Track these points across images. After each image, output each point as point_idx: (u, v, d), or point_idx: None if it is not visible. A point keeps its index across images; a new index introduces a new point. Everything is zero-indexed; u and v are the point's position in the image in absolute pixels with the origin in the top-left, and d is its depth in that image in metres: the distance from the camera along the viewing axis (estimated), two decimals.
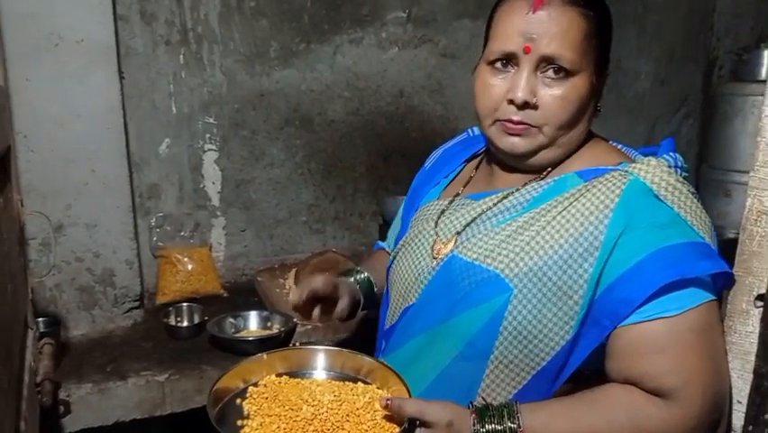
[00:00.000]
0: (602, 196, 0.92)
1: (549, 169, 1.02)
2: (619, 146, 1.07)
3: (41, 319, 1.63)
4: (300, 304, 1.13)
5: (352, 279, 1.24)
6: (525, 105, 0.95)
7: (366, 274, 1.25)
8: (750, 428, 0.90)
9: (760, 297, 0.90)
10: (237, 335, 1.74)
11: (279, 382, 1.01)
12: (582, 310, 0.90)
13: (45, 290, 1.72)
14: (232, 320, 1.78)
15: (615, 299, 0.88)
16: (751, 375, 0.91)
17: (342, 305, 1.17)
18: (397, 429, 0.89)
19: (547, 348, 0.92)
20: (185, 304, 1.89)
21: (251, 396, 0.98)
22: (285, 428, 0.89)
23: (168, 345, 1.74)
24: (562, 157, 1.01)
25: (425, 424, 0.88)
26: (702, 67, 2.84)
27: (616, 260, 0.89)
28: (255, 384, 1.01)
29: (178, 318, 1.86)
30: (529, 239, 0.95)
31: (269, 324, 1.78)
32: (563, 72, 0.93)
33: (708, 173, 2.61)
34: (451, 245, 1.03)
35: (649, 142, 1.11)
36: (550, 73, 0.94)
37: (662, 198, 0.91)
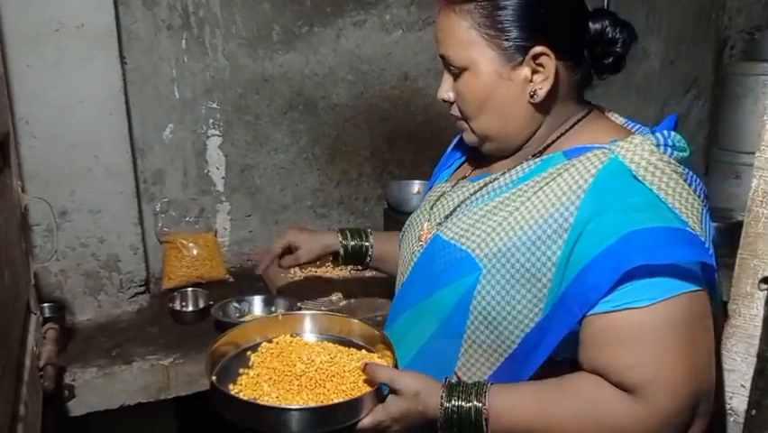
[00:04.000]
0: (577, 176, 0.90)
1: (534, 153, 1.02)
2: (634, 126, 1.03)
3: (46, 305, 1.64)
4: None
5: (342, 238, 1.39)
6: (448, 102, 1.05)
7: (363, 243, 1.39)
8: (753, 412, 0.89)
9: (765, 279, 0.88)
10: (241, 319, 1.74)
11: (291, 342, 1.10)
12: (551, 294, 0.88)
13: (50, 276, 1.73)
14: (236, 305, 1.78)
15: (583, 286, 0.85)
16: (755, 359, 0.89)
17: (306, 252, 1.38)
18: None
19: (516, 331, 0.91)
20: (190, 289, 1.90)
21: (260, 349, 1.09)
22: (275, 380, 0.98)
23: (173, 329, 1.75)
24: (511, 146, 1.03)
25: (394, 391, 0.91)
26: (713, 46, 2.78)
27: (585, 244, 0.85)
28: (270, 341, 1.12)
29: (184, 303, 1.86)
30: (501, 219, 0.94)
31: (273, 308, 1.78)
32: (457, 69, 0.98)
33: (718, 155, 2.56)
34: (437, 227, 1.06)
35: (659, 123, 1.09)
36: (451, 71, 1.01)
37: (640, 178, 0.87)
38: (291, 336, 1.13)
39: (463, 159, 1.20)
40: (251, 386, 0.97)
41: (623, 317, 0.84)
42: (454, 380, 0.94)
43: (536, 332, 0.90)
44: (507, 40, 0.94)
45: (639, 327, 0.83)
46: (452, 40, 0.97)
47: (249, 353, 1.08)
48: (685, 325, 0.84)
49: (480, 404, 0.87)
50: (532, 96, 0.96)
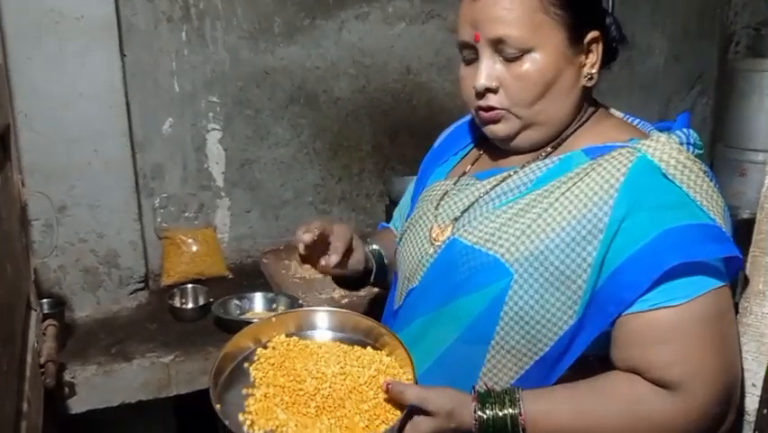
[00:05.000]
0: (607, 175, 0.89)
1: (549, 150, 0.99)
2: (633, 120, 1.03)
3: (45, 301, 1.62)
4: (310, 242, 1.04)
5: (367, 248, 1.19)
6: (487, 92, 0.96)
7: (377, 247, 1.22)
8: (765, 411, 0.88)
9: None
10: (242, 316, 1.73)
11: (288, 344, 1.01)
12: (586, 295, 0.87)
13: (49, 272, 1.71)
14: (237, 302, 1.77)
15: (620, 285, 0.85)
16: (766, 358, 0.89)
17: (357, 256, 1.11)
18: (396, 416, 0.87)
19: (550, 334, 0.90)
20: (190, 285, 1.89)
21: (258, 360, 0.98)
22: (288, 402, 0.89)
23: (173, 326, 1.74)
24: (551, 134, 0.99)
25: (425, 412, 0.86)
26: (718, 42, 2.77)
27: (620, 243, 0.85)
28: (264, 346, 1.01)
29: (183, 300, 1.85)
30: (530, 222, 0.92)
31: (274, 306, 1.77)
32: (519, 51, 0.92)
33: (723, 152, 2.56)
34: (451, 228, 1.01)
35: (663, 119, 1.09)
36: (506, 55, 0.93)
37: (670, 177, 0.87)
38: (286, 335, 1.04)
39: (459, 155, 1.17)
40: (263, 413, 0.88)
41: (661, 316, 0.84)
42: (482, 389, 0.91)
43: (569, 334, 0.89)
44: (573, 22, 0.93)
45: (676, 325, 0.84)
46: (516, 19, 0.91)
47: (246, 365, 0.98)
48: (716, 320, 0.85)
49: (516, 411, 0.86)
50: (590, 80, 0.97)
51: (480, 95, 0.96)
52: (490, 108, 0.97)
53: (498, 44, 0.93)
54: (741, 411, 0.94)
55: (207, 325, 1.73)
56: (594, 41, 0.95)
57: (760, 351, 0.92)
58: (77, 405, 1.49)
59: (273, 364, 0.97)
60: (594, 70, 0.96)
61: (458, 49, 0.99)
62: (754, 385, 0.93)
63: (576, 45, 0.94)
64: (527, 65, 0.92)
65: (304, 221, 2.27)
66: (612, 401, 0.86)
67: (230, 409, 0.89)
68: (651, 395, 0.85)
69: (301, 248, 1.06)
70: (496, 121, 0.98)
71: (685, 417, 0.84)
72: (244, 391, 0.92)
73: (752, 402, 0.93)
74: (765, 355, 0.90)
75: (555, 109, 0.96)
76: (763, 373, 0.90)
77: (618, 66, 1.04)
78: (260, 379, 0.94)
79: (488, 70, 0.94)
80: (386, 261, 1.21)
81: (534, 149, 1.00)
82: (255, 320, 1.65)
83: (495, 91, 0.95)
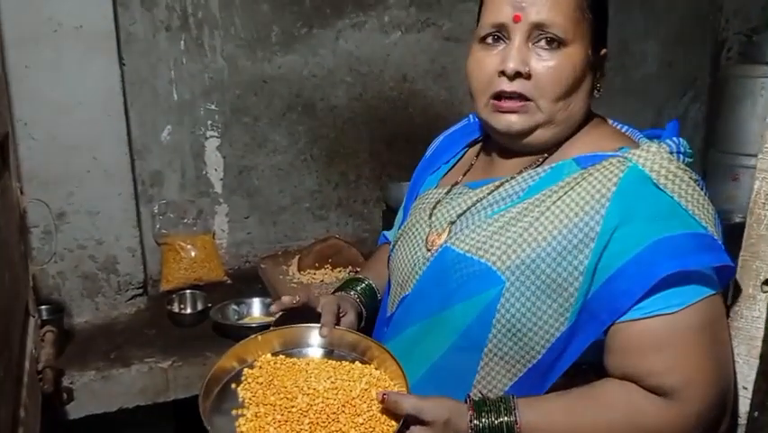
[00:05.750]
0: (599, 185, 0.89)
1: (546, 155, 0.99)
2: (623, 128, 1.04)
3: (43, 307, 1.63)
4: (288, 305, 1.06)
5: (353, 292, 1.17)
6: (517, 76, 0.91)
7: (367, 282, 1.19)
8: (756, 414, 0.89)
9: (767, 282, 0.89)
10: (240, 321, 1.74)
11: (275, 362, 0.99)
12: (577, 303, 0.88)
13: (48, 278, 1.72)
14: (235, 307, 1.78)
15: (613, 293, 0.85)
16: (757, 361, 0.90)
17: (350, 318, 1.10)
18: (392, 427, 0.86)
19: (542, 341, 0.90)
20: (188, 291, 1.90)
21: (246, 379, 0.96)
22: (280, 420, 0.87)
23: (171, 331, 1.75)
24: (560, 136, 0.97)
25: (421, 422, 0.86)
26: (710, 49, 2.79)
27: (613, 252, 0.86)
28: (251, 366, 0.99)
29: (182, 306, 1.86)
30: (522, 230, 0.92)
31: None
32: (556, 42, 0.90)
33: (716, 157, 2.58)
34: (444, 236, 1.01)
35: (656, 125, 1.09)
36: (542, 44, 0.91)
37: (661, 186, 0.88)
38: (272, 354, 1.01)
39: (450, 163, 1.16)
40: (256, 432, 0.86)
41: (655, 324, 0.84)
42: (477, 397, 0.92)
43: (562, 341, 0.90)
44: (598, 32, 0.95)
45: (671, 332, 0.84)
46: (563, 9, 0.90)
47: (233, 386, 0.95)
48: (709, 327, 0.86)
49: (512, 419, 0.86)
50: (598, 91, 0.98)
51: (510, 78, 0.92)
52: (515, 96, 0.92)
53: (537, 29, 0.90)
54: (733, 415, 0.95)
55: (206, 330, 1.74)
56: (604, 57, 0.97)
57: (750, 354, 0.93)
58: (75, 410, 1.50)
59: (261, 384, 0.95)
60: (599, 84, 0.97)
61: (482, 31, 0.95)
62: (745, 388, 0.94)
63: (595, 55, 0.95)
64: (561, 58, 0.90)
65: (301, 227, 2.31)
66: (608, 409, 0.86)
67: (221, 431, 0.87)
68: (646, 403, 0.85)
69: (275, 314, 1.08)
70: (515, 112, 0.94)
71: (681, 423, 0.84)
72: (234, 413, 0.90)
73: (743, 405, 0.94)
74: (756, 359, 0.91)
75: (574, 111, 0.95)
76: (753, 376, 0.91)
77: (612, 72, 1.05)
78: (250, 399, 0.92)
79: (521, 54, 0.91)
80: (379, 296, 1.20)
81: (537, 151, 0.99)
82: (253, 325, 1.68)
83: (527, 77, 0.91)
